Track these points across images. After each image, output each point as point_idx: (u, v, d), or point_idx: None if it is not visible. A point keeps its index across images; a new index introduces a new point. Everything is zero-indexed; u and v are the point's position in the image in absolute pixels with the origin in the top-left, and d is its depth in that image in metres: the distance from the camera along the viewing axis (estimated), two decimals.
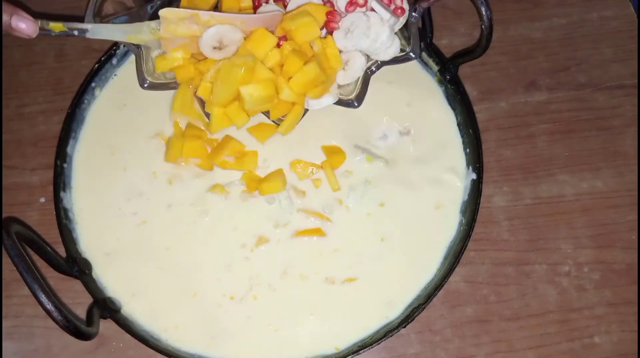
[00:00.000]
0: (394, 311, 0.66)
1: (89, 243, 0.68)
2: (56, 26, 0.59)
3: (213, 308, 0.66)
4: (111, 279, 0.67)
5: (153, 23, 0.65)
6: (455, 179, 0.70)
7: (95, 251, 0.68)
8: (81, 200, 0.70)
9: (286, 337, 0.65)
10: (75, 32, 0.61)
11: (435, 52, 0.74)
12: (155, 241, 0.68)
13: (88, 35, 0.62)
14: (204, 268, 0.67)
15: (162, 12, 0.63)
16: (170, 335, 0.65)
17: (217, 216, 0.69)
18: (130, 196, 0.70)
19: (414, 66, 0.75)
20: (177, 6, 0.66)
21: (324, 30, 0.67)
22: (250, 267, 0.67)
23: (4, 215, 0.72)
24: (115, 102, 0.74)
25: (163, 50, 0.67)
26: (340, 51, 0.66)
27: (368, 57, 0.67)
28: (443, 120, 0.73)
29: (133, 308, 0.66)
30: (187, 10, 0.63)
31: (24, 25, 0.55)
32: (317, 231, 0.68)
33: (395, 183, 0.70)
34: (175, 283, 0.67)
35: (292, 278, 0.67)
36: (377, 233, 0.68)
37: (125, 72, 0.75)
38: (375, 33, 0.64)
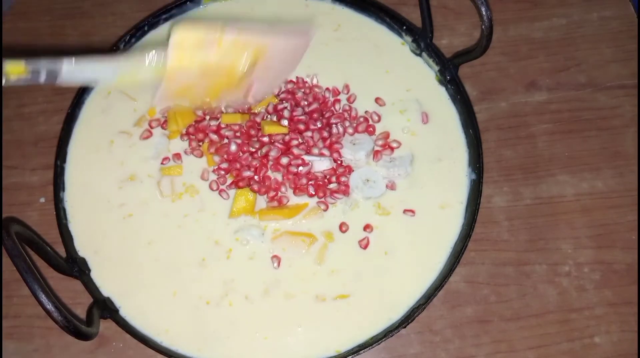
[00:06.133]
0: (398, 313, 0.64)
1: (80, 241, 0.68)
2: (13, 69, 0.43)
3: (193, 310, 0.64)
4: (103, 278, 0.67)
5: (155, 54, 0.52)
6: (460, 178, 0.70)
7: (87, 249, 0.68)
8: (72, 197, 0.70)
9: (278, 345, 0.64)
10: (42, 77, 0.46)
11: (435, 52, 0.74)
12: (139, 236, 0.67)
13: (59, 80, 0.48)
14: (182, 266, 0.66)
15: (176, 33, 0.50)
16: (163, 339, 0.64)
17: (199, 212, 0.68)
18: (118, 189, 0.69)
19: (417, 65, 0.75)
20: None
21: None
22: (225, 271, 0.66)
23: (4, 215, 0.72)
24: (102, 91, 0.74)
25: (158, 98, 0.55)
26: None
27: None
28: (448, 119, 0.73)
29: (125, 310, 0.65)
30: (208, 28, 0.52)
31: None
32: (308, 235, 0.67)
33: (401, 183, 0.70)
34: (157, 281, 0.66)
35: (276, 297, 0.65)
36: (380, 247, 0.67)
37: None
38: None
